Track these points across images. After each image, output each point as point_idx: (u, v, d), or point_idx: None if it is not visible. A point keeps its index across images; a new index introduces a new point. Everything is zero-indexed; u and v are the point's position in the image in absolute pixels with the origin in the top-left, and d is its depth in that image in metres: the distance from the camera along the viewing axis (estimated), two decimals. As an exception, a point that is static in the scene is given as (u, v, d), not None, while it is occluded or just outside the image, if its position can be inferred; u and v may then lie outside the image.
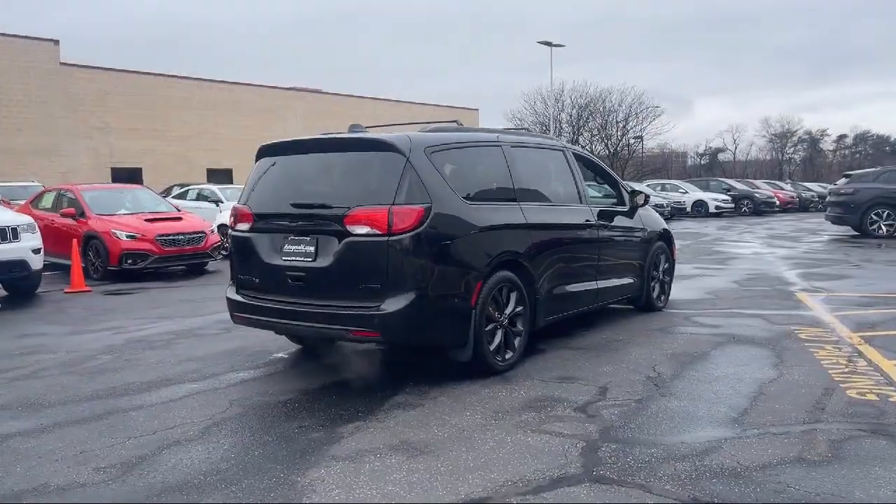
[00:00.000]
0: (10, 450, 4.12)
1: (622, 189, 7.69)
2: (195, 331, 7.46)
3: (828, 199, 20.52)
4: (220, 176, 34.20)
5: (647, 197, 7.73)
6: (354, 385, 5.35)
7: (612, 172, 7.86)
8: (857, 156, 79.56)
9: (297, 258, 5.18)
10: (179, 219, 13.07)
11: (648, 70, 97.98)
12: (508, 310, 5.48)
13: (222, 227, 14.16)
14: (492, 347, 5.32)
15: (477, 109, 53.62)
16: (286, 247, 5.26)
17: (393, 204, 4.84)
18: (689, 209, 32.31)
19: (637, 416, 4.45)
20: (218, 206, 21.40)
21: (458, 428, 4.30)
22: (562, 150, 6.93)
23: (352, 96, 46.00)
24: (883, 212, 18.01)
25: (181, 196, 20.85)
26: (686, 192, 33.61)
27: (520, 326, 5.62)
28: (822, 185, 46.95)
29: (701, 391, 4.93)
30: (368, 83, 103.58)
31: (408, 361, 5.94)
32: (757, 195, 34.86)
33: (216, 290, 10.43)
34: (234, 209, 5.66)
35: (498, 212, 5.54)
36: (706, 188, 35.53)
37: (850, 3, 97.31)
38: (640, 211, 7.68)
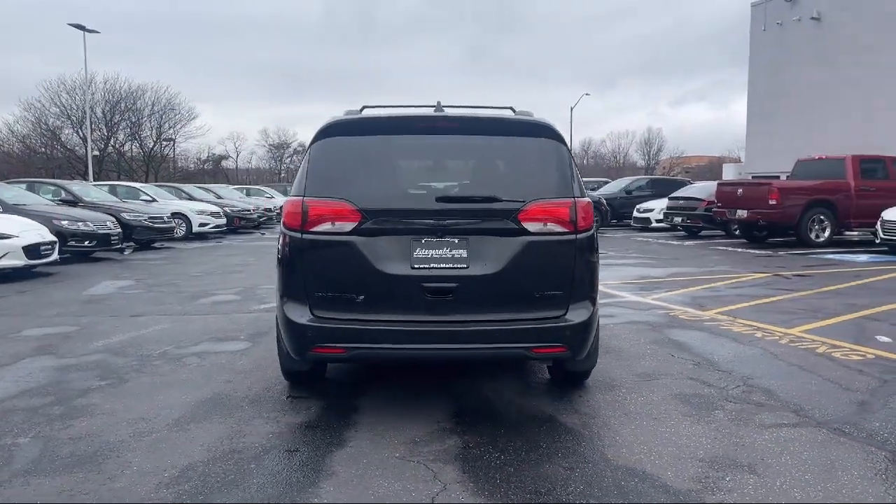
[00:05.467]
0: None
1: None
2: (69, 385, 5.05)
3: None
4: None
5: None
6: (478, 415, 4.44)
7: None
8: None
9: (441, 265, 4.08)
10: None
11: (163, 70, 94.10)
12: None
13: None
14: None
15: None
16: (419, 251, 4.08)
17: (574, 197, 4.22)
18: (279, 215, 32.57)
19: (791, 396, 4.76)
20: None
21: (707, 438, 4.04)
22: None
23: None
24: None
25: None
26: (273, 198, 33.74)
27: None
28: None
29: (767, 370, 5.45)
30: None
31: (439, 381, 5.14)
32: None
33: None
34: (313, 204, 4.11)
35: None
36: (286, 194, 36.20)
37: (314, 30, 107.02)
38: None
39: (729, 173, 30.26)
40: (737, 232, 18.69)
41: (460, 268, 4.08)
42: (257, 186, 38.01)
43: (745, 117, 29.71)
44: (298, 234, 4.14)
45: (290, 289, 4.21)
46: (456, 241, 4.10)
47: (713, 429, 4.16)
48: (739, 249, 15.97)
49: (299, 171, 4.38)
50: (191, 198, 23.14)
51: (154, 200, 20.21)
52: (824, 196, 16.33)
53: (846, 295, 9.17)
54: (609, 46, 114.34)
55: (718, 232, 19.89)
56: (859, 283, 10.29)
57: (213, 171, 70.70)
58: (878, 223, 15.00)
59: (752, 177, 25.53)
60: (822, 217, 16.27)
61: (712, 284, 10.16)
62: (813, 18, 25.06)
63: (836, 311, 7.88)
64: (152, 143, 55.62)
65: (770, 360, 5.74)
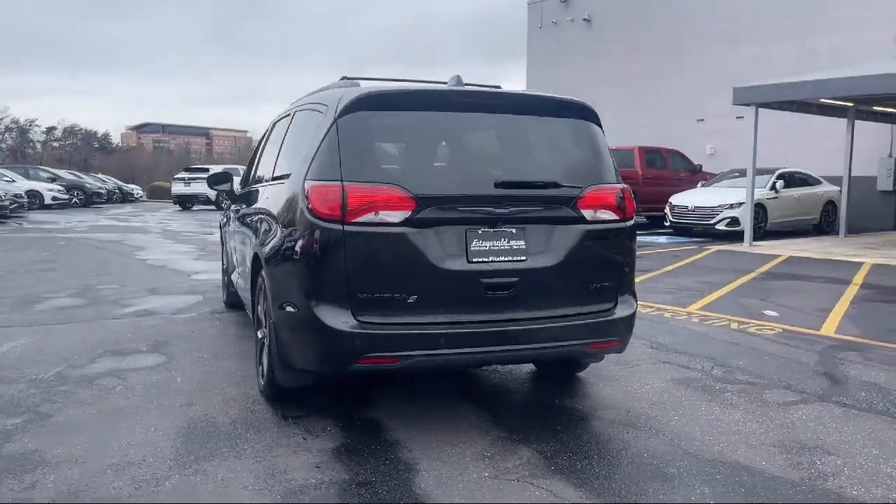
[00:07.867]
0: None
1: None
2: (-38, 428, 3.82)
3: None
4: None
5: None
6: (514, 420, 4.11)
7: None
8: (69, 148, 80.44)
9: (500, 258, 3.66)
10: None
11: None
12: None
13: None
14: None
15: None
16: (476, 243, 3.63)
17: (620, 183, 4.04)
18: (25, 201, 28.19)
19: (765, 373, 5.02)
20: None
21: (750, 422, 4.12)
22: None
23: None
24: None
25: None
26: (14, 181, 29.09)
27: None
28: (107, 177, 45.60)
29: (717, 349, 5.72)
30: None
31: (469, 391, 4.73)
32: (87, 186, 33.31)
33: None
34: (356, 190, 3.43)
35: None
36: (27, 177, 31.61)
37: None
38: None
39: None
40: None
41: (519, 260, 3.71)
42: (-7, 168, 32.73)
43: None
44: (338, 226, 3.47)
45: (325, 290, 3.52)
46: (513, 230, 3.72)
47: (745, 412, 4.24)
48: (551, 233, 16.85)
49: (319, 150, 3.66)
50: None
51: None
52: (619, 183, 17.81)
53: (690, 274, 10.03)
54: (364, 35, 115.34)
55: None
56: (687, 263, 11.35)
57: None
58: (668, 207, 16.70)
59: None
60: (618, 202, 17.73)
61: (570, 268, 10.55)
62: (584, 20, 27.20)
63: (703, 290, 8.57)
64: None
65: (708, 340, 6.04)
